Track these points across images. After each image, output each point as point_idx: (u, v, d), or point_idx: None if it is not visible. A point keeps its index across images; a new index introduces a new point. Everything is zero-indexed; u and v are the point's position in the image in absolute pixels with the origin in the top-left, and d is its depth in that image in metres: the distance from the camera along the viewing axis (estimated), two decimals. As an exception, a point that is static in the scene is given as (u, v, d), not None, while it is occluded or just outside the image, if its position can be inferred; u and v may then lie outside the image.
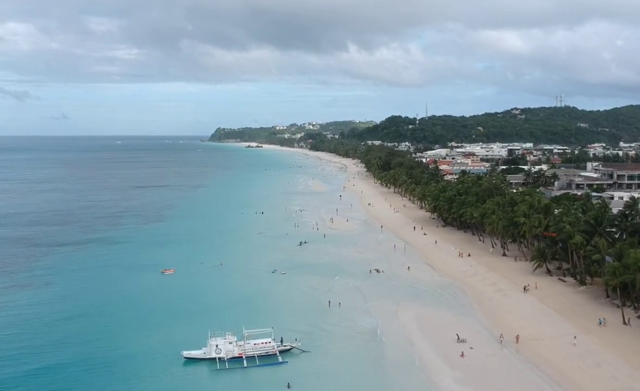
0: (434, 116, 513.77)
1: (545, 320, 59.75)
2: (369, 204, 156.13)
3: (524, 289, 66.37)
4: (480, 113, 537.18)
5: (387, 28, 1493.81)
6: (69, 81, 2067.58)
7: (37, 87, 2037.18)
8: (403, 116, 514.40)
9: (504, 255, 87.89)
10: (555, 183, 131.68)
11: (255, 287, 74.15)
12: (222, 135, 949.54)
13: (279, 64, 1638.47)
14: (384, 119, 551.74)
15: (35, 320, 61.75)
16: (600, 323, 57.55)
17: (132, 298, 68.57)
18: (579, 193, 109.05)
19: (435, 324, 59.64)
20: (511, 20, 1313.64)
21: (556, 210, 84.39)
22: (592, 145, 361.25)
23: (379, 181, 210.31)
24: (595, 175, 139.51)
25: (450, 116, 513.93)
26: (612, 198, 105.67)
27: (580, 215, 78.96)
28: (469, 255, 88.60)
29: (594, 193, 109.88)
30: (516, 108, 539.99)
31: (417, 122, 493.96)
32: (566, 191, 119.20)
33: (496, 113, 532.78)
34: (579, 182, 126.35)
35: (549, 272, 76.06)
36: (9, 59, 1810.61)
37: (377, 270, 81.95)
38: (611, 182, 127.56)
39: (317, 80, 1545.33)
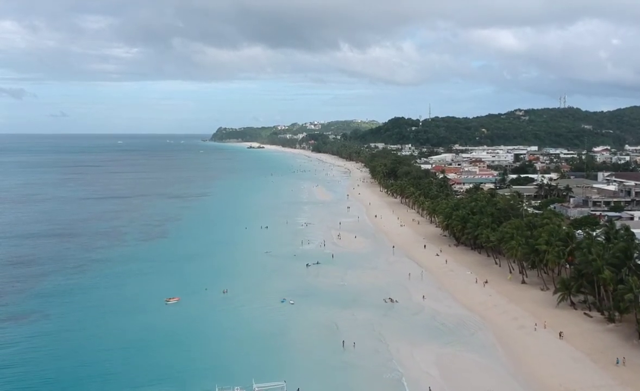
0: (437, 117, 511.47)
1: (576, 366, 55.69)
2: (376, 216, 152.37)
3: (560, 335, 62.25)
4: (481, 112, 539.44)
5: (378, 26, 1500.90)
6: (67, 79, 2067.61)
7: (36, 84, 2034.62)
8: (406, 117, 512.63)
9: (523, 282, 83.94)
10: (571, 199, 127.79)
11: (264, 321, 69.81)
12: (223, 134, 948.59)
13: (274, 62, 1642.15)
14: (386, 120, 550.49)
15: (23, 363, 57.73)
16: (617, 363, 54.31)
17: (133, 339, 63.85)
18: (598, 213, 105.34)
19: (458, 370, 55.56)
20: (502, 19, 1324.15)
21: (577, 232, 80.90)
22: (598, 148, 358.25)
23: (385, 189, 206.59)
24: (611, 188, 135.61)
25: (453, 117, 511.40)
26: (632, 218, 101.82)
27: (604, 241, 75.11)
28: (486, 282, 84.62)
29: (611, 213, 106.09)
30: (519, 110, 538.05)
31: (420, 123, 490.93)
32: (582, 209, 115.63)
33: (499, 114, 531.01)
34: (595, 200, 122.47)
35: (573, 304, 72.15)
36: (4, 56, 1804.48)
37: (392, 300, 77.97)
38: (629, 200, 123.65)
39: (313, 78, 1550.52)
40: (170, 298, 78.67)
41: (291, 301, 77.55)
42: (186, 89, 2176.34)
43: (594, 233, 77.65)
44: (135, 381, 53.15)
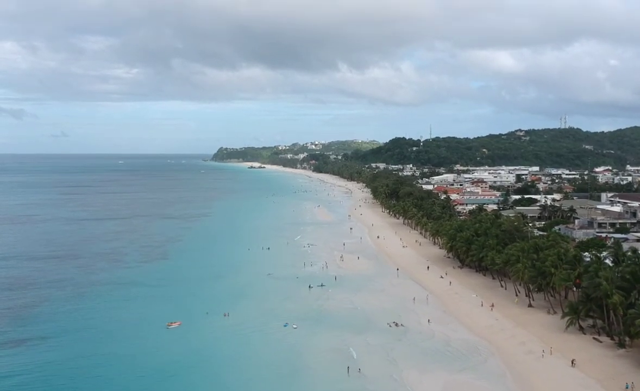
0: (438, 138, 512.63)
1: (588, 395, 54.40)
2: (378, 237, 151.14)
3: (572, 363, 60.72)
4: (481, 132, 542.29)
5: (375, 47, 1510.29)
6: (67, 99, 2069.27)
7: (36, 105, 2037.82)
8: (407, 138, 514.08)
9: (530, 305, 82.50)
10: (576, 221, 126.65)
11: (267, 347, 68.38)
12: (224, 154, 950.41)
13: (273, 83, 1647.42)
14: (387, 141, 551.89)
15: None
16: (627, 388, 53.40)
17: (134, 366, 62.11)
18: (604, 235, 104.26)
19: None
20: (499, 40, 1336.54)
21: (584, 253, 79.78)
22: (599, 168, 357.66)
23: (387, 210, 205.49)
24: (616, 209, 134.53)
25: (454, 138, 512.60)
26: (639, 240, 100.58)
27: (612, 264, 73.95)
28: (492, 306, 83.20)
29: (617, 235, 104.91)
30: (520, 130, 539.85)
31: (421, 144, 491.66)
32: (588, 230, 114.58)
33: (500, 135, 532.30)
34: (601, 221, 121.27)
35: (581, 329, 70.71)
36: (5, 76, 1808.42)
37: (396, 324, 76.55)
38: (634, 221, 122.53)
39: (312, 99, 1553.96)
40: (171, 323, 77.23)
41: (294, 326, 76.02)
42: (187, 109, 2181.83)
43: (601, 256, 76.48)
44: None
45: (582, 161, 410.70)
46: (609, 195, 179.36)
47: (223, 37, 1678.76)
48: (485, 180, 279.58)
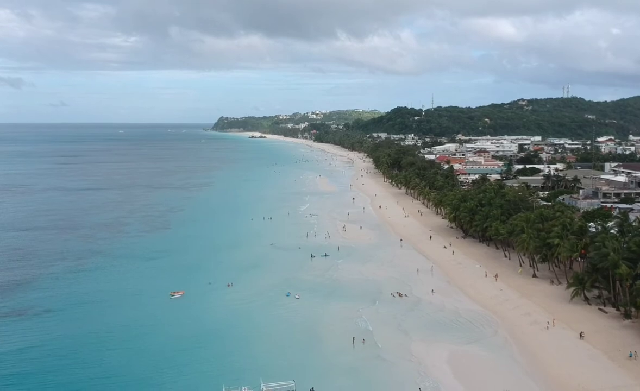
0: (439, 107, 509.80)
1: (594, 365, 53.79)
2: (380, 207, 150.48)
3: (580, 336, 60.13)
4: (483, 101, 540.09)
5: (375, 15, 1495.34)
6: (66, 68, 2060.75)
7: (34, 74, 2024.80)
8: (409, 107, 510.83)
9: (534, 276, 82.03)
10: (580, 191, 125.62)
11: (270, 317, 68.12)
12: (225, 124, 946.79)
13: (272, 51, 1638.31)
14: (389, 110, 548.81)
15: (20, 362, 55.84)
16: (630, 356, 53.37)
17: (137, 336, 62.02)
18: (609, 205, 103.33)
19: (472, 370, 53.67)
20: (500, 8, 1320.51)
21: (590, 224, 79.01)
22: (602, 138, 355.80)
23: (389, 180, 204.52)
24: (620, 179, 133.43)
25: (456, 107, 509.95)
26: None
27: (617, 234, 73.14)
28: (496, 276, 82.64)
29: (623, 206, 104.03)
30: (522, 100, 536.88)
31: (423, 113, 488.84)
32: (592, 200, 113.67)
33: (502, 104, 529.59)
34: (606, 191, 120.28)
35: (586, 300, 70.25)
36: (2, 45, 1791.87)
37: (400, 294, 76.23)
38: (639, 191, 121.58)
39: (312, 68, 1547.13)
40: (174, 292, 76.87)
41: (297, 296, 75.71)
42: (186, 78, 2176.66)
43: (607, 226, 75.69)
44: (138, 382, 51.13)
45: (585, 131, 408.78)
46: (613, 165, 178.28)
47: (220, 3, 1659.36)
48: (487, 149, 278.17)
